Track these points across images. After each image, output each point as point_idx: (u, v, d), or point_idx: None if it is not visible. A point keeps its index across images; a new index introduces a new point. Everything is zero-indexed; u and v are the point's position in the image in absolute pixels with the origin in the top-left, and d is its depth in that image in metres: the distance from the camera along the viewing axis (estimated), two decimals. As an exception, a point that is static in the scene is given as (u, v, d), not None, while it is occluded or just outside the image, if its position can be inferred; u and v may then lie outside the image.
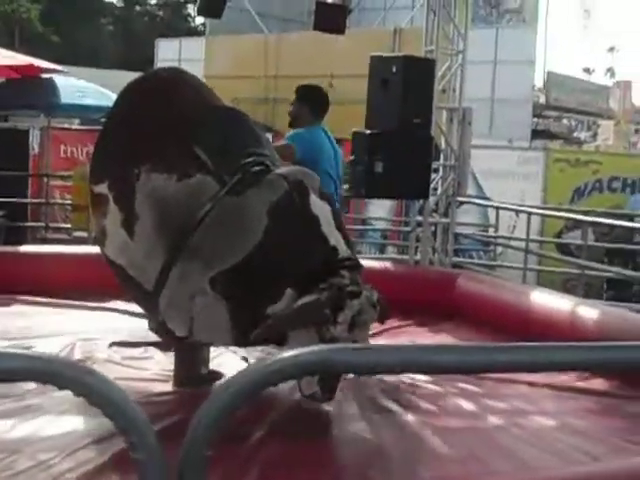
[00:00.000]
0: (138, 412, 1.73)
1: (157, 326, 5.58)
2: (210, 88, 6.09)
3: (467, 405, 5.64)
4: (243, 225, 5.03)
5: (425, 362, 1.75)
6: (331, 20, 9.85)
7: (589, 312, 7.05)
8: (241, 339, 5.03)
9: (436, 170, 10.58)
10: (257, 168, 5.26)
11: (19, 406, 4.92)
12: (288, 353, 1.80)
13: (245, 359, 6.06)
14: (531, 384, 5.97)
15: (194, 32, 42.25)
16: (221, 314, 4.96)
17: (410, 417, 5.25)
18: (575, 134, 23.06)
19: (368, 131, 9.54)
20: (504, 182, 13.19)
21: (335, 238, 4.97)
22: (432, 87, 9.74)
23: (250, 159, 5.30)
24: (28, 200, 13.56)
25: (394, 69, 9.39)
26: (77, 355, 6.24)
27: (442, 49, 10.30)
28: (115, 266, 5.60)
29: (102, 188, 5.58)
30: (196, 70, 21.90)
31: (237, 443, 4.35)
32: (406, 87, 9.33)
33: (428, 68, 9.74)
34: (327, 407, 5.16)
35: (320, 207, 5.04)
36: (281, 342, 4.76)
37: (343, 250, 4.94)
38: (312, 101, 7.30)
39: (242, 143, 5.47)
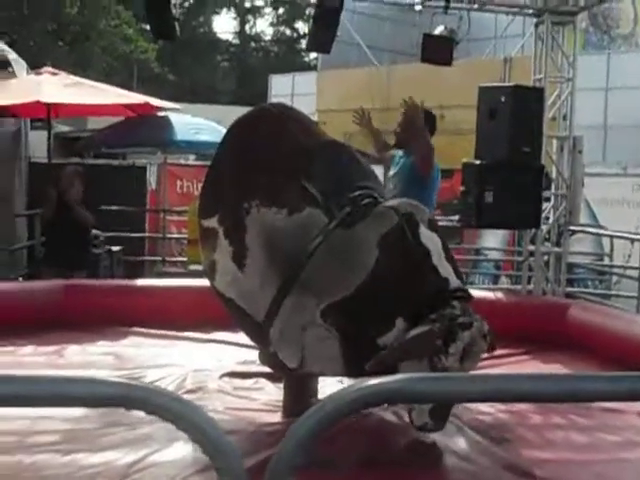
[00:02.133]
0: (224, 438, 1.80)
1: (268, 358, 5.68)
2: (316, 122, 6.23)
3: (577, 437, 5.58)
4: (354, 257, 5.10)
5: (504, 391, 1.78)
6: (438, 52, 9.89)
7: None
8: (352, 370, 5.05)
9: (548, 199, 10.50)
10: (366, 201, 5.34)
11: (129, 435, 5.06)
12: (369, 381, 1.86)
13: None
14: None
15: (307, 67, 42.79)
16: (332, 345, 5.03)
17: (516, 449, 5.22)
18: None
19: (478, 161, 9.54)
20: (619, 210, 12.96)
21: (445, 269, 4.98)
22: (542, 116, 9.70)
23: (358, 192, 5.39)
24: (146, 234, 13.90)
25: (503, 99, 9.38)
26: (189, 385, 6.39)
27: (551, 77, 10.25)
28: (225, 299, 5.74)
29: (212, 222, 5.73)
30: (309, 104, 22.30)
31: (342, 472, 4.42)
32: (515, 116, 9.31)
33: (537, 97, 9.70)
34: (434, 437, 5.19)
35: (430, 238, 5.07)
36: (393, 373, 4.78)
37: (454, 281, 4.96)
38: (430, 126, 7.19)
39: (350, 177, 5.57)
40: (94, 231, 11.66)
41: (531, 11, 10.39)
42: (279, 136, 5.79)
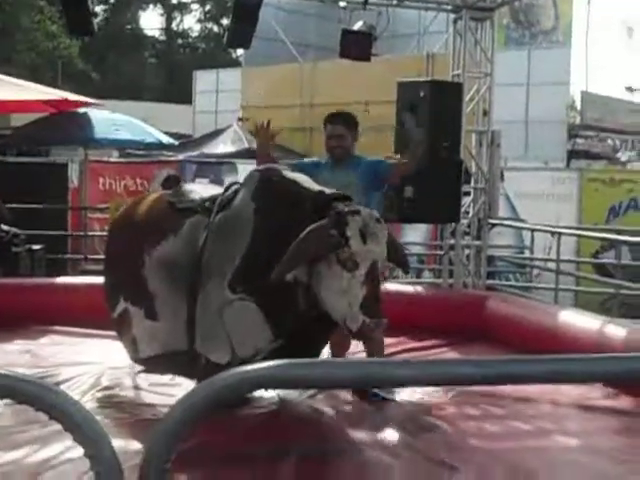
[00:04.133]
0: (95, 426, 1.80)
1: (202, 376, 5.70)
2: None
3: (490, 427, 5.66)
4: (236, 222, 5.38)
5: (372, 375, 1.80)
6: (357, 47, 9.92)
7: (617, 331, 7.01)
8: (281, 327, 5.18)
9: (467, 193, 10.60)
10: (234, 187, 5.68)
11: (43, 432, 5.00)
12: (238, 369, 1.87)
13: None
14: (554, 403, 5.97)
15: (234, 63, 42.64)
16: (253, 312, 5.17)
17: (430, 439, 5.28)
18: (619, 154, 22.89)
19: (397, 156, 9.59)
20: (539, 203, 13.13)
21: (318, 187, 5.31)
22: (460, 110, 9.78)
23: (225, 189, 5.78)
24: (68, 233, 13.74)
25: (421, 94, 9.44)
26: (105, 382, 6.35)
27: (470, 72, 10.34)
28: (154, 363, 5.94)
29: (120, 306, 6.03)
30: (233, 100, 22.26)
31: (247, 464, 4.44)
32: (434, 111, 9.37)
33: (455, 91, 9.79)
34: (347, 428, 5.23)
35: (297, 175, 5.51)
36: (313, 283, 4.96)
37: (329, 191, 5.25)
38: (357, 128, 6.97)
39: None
40: (13, 229, 11.51)
41: (449, 7, 10.47)
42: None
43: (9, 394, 1.76)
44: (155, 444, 1.81)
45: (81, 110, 12.69)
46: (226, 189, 5.67)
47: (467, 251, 10.74)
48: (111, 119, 13.11)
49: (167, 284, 5.59)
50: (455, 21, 10.47)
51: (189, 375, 5.85)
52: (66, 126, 12.64)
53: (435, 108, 9.40)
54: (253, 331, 5.21)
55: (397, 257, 5.32)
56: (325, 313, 4.98)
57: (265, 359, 5.49)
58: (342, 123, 6.53)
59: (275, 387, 1.99)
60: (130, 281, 5.89)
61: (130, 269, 5.87)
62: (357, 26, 10.07)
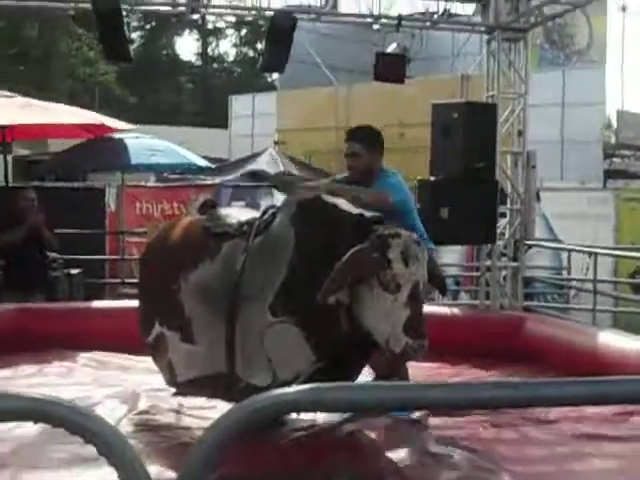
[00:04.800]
0: (130, 450, 1.81)
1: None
2: None
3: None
4: (276, 245, 5.39)
5: (408, 399, 1.81)
6: (391, 70, 9.95)
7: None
8: (322, 349, 5.19)
9: (503, 214, 10.57)
10: (271, 211, 5.68)
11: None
12: (270, 392, 1.88)
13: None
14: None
15: (270, 87, 42.87)
16: (294, 335, 5.18)
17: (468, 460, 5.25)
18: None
19: (432, 178, 9.60)
20: (576, 224, 13.06)
21: (357, 210, 5.27)
22: (495, 131, 9.78)
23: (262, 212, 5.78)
24: (106, 257, 13.84)
25: (455, 115, 9.46)
26: (141, 406, 6.37)
27: (504, 94, 10.34)
28: (192, 387, 5.94)
29: (155, 330, 6.04)
30: (269, 124, 22.36)
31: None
32: (468, 133, 9.38)
33: (490, 113, 9.79)
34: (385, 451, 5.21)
35: (334, 200, 5.44)
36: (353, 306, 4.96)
37: (369, 214, 5.22)
38: (381, 145, 6.55)
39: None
40: (52, 254, 11.61)
41: (483, 28, 10.48)
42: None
43: (44, 418, 1.78)
44: (189, 468, 1.82)
45: (117, 136, 12.79)
46: (264, 213, 5.68)
47: (504, 272, 10.70)
48: (148, 144, 13.22)
49: (204, 308, 5.59)
50: (488, 42, 10.48)
51: (227, 398, 5.86)
52: (103, 152, 12.77)
53: (469, 129, 9.41)
54: (294, 354, 5.21)
55: (436, 280, 5.31)
56: (366, 335, 4.98)
57: (306, 382, 5.56)
58: (358, 141, 6.29)
59: (307, 410, 1.99)
60: (165, 305, 5.90)
61: (165, 293, 5.88)
62: (391, 48, 10.15)
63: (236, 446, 1.90)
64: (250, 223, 5.65)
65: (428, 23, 10.36)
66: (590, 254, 11.54)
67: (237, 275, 5.43)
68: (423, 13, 10.70)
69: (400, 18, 9.85)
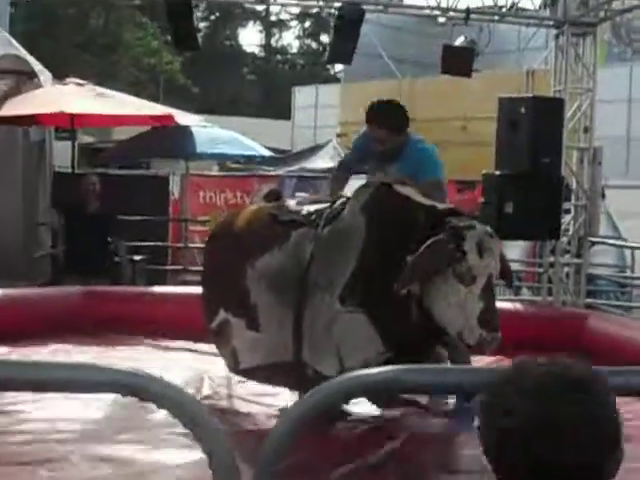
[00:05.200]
0: (212, 422, 1.85)
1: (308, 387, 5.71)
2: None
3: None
4: (346, 235, 5.41)
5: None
6: (458, 63, 9.90)
7: None
8: (391, 339, 5.22)
9: (567, 210, 10.48)
10: (341, 200, 5.72)
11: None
12: (353, 373, 1.90)
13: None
14: None
15: (333, 79, 42.87)
16: (363, 324, 5.23)
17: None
18: None
19: (497, 172, 9.55)
20: (641, 222, 12.86)
21: (429, 202, 5.28)
22: (561, 127, 9.69)
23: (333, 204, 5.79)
24: (168, 244, 13.97)
25: (523, 110, 9.39)
26: (205, 391, 6.44)
27: (571, 88, 10.24)
28: (255, 374, 6.01)
29: (220, 316, 6.11)
30: (332, 116, 22.37)
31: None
32: (535, 127, 9.30)
33: (557, 108, 9.69)
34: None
35: (406, 190, 5.42)
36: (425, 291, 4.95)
37: (441, 205, 5.27)
38: (407, 123, 6.19)
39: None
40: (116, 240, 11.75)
41: (551, 22, 10.39)
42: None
43: (135, 392, 1.82)
44: (271, 444, 1.85)
45: (183, 124, 12.86)
46: (334, 202, 5.69)
47: (566, 269, 10.60)
48: (213, 133, 13.28)
49: (271, 295, 5.64)
50: (557, 36, 10.39)
51: (292, 386, 5.90)
52: (169, 139, 12.86)
53: (536, 124, 9.33)
54: (363, 343, 5.24)
55: (503, 271, 5.29)
56: (435, 327, 4.99)
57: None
58: (383, 127, 5.91)
59: (389, 391, 2.00)
60: (231, 292, 5.95)
61: (231, 280, 5.93)
62: (458, 42, 10.06)
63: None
64: (319, 212, 5.68)
65: (496, 17, 10.29)
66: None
67: (306, 263, 5.46)
68: (491, 6, 10.59)
69: (468, 11, 9.81)
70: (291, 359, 5.54)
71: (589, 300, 11.06)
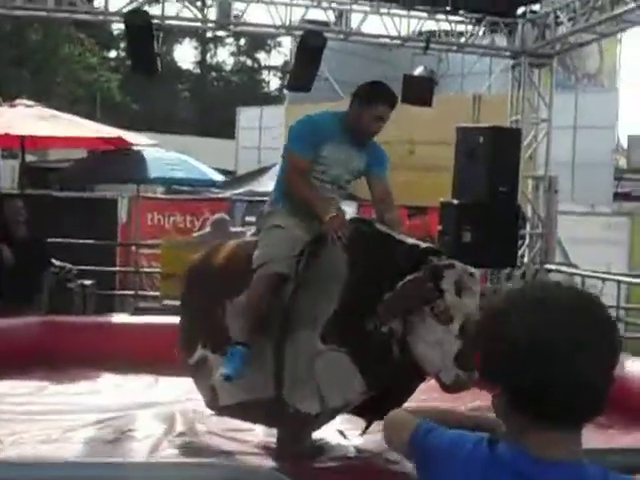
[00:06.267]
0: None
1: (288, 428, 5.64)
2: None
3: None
4: (328, 274, 5.32)
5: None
6: (418, 93, 9.97)
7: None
8: (372, 379, 5.14)
9: (521, 238, 10.58)
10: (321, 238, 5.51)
11: None
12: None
13: (341, 432, 6.12)
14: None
15: (268, 97, 42.83)
16: (344, 362, 5.14)
17: None
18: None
19: (456, 201, 9.60)
20: (588, 248, 13.05)
21: (410, 240, 5.24)
22: (518, 156, 9.82)
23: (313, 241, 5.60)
24: (117, 269, 13.78)
25: (481, 139, 9.48)
26: (179, 427, 6.33)
27: (528, 118, 10.37)
28: (234, 409, 5.85)
29: (198, 353, 6.00)
30: (276, 137, 22.28)
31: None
32: (493, 157, 9.41)
33: (514, 138, 9.83)
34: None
35: (386, 228, 5.37)
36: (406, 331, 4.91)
37: (422, 245, 5.20)
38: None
39: None
40: (67, 265, 11.52)
41: (508, 53, 10.50)
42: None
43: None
44: None
45: (134, 148, 12.70)
46: (314, 239, 5.59)
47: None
48: (164, 158, 13.10)
49: (252, 332, 5.55)
50: (513, 67, 10.51)
51: (271, 424, 5.83)
52: (120, 163, 12.68)
53: (494, 154, 9.44)
54: (345, 382, 5.18)
55: None
56: (416, 366, 4.96)
57: (354, 411, 5.54)
58: (392, 107, 5.54)
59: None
60: (210, 328, 5.86)
61: (210, 316, 5.84)
62: (418, 71, 10.11)
63: None
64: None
65: (454, 47, 10.37)
66: (604, 280, 11.55)
67: (287, 300, 5.40)
68: (447, 33, 10.64)
69: (428, 41, 9.87)
70: (271, 396, 5.47)
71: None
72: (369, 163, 5.70)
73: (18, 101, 12.22)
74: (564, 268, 12.01)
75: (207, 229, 11.56)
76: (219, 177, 13.49)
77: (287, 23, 9.84)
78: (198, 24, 10.02)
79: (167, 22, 9.95)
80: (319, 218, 5.35)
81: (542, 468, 1.71)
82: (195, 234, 12.74)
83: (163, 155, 12.99)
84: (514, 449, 1.75)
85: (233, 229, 11.29)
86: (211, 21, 9.67)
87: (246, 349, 5.38)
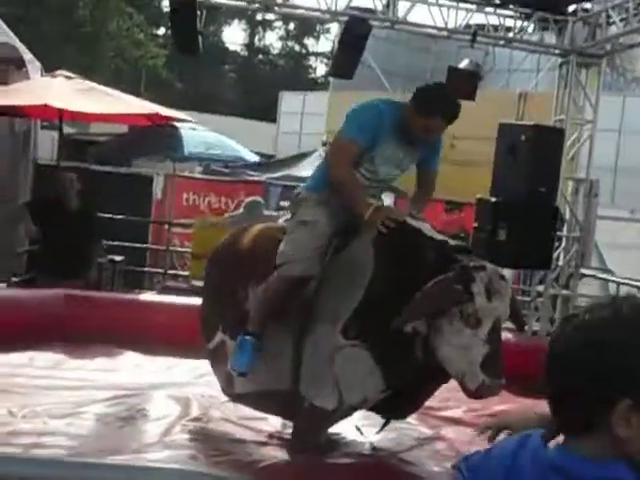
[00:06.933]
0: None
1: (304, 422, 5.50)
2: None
3: None
4: (353, 267, 5.16)
5: None
6: (463, 86, 9.75)
7: None
8: (392, 377, 5.01)
9: (559, 240, 10.39)
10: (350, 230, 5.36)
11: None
12: None
13: (358, 429, 6.00)
14: None
15: (314, 83, 42.74)
16: (365, 359, 5.00)
17: None
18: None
19: (493, 199, 9.42)
20: (627, 254, 12.82)
21: (440, 236, 5.07)
22: (560, 157, 9.62)
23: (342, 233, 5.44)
24: (149, 246, 13.72)
25: (523, 137, 9.28)
26: (193, 412, 6.23)
27: (572, 119, 10.16)
28: (249, 397, 5.72)
29: (217, 337, 5.85)
30: (318, 124, 22.16)
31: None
32: (534, 156, 9.21)
33: (557, 138, 9.61)
34: None
35: (417, 223, 5.16)
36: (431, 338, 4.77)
37: (452, 242, 5.05)
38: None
39: None
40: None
41: (557, 51, 10.28)
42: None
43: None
44: None
45: (175, 126, 12.57)
46: (344, 231, 5.44)
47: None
48: (202, 135, 12.95)
49: (272, 322, 5.41)
50: (561, 65, 10.29)
51: (286, 416, 5.72)
52: (157, 139, 12.57)
53: (536, 153, 9.23)
54: (364, 379, 5.04)
55: (514, 315, 5.10)
56: (439, 367, 4.81)
57: (372, 408, 5.41)
58: (451, 121, 5.22)
59: None
60: (231, 314, 5.72)
61: (232, 301, 5.70)
62: (463, 64, 9.91)
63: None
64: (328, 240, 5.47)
65: (502, 41, 10.17)
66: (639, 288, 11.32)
67: (311, 292, 5.26)
68: (496, 27, 10.42)
69: (475, 34, 9.67)
70: (287, 389, 5.34)
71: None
72: (423, 157, 5.54)
73: (59, 72, 12.10)
74: (600, 274, 11.81)
75: (240, 210, 11.47)
76: (255, 158, 13.29)
77: (333, 8, 9.67)
78: (243, 3, 9.81)
79: (212, 0, 9.80)
80: (355, 210, 5.20)
81: None
82: (227, 215, 12.65)
83: (201, 133, 12.85)
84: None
85: (267, 212, 11.18)
86: (257, 1, 9.50)
87: (256, 340, 5.24)
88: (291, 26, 49.70)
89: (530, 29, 10.57)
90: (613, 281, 12.01)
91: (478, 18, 10.35)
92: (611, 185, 16.46)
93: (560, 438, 1.81)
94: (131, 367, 7.63)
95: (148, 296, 10.10)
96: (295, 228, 5.42)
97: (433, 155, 5.62)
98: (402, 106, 5.29)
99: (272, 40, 53.52)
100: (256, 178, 15.18)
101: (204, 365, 6.39)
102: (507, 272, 13.33)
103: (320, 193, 5.42)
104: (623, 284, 11.53)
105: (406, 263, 4.99)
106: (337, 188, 5.28)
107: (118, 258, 11.66)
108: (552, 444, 1.81)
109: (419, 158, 5.55)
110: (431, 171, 5.67)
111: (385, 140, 5.24)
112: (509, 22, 10.25)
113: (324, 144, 20.22)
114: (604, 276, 12.05)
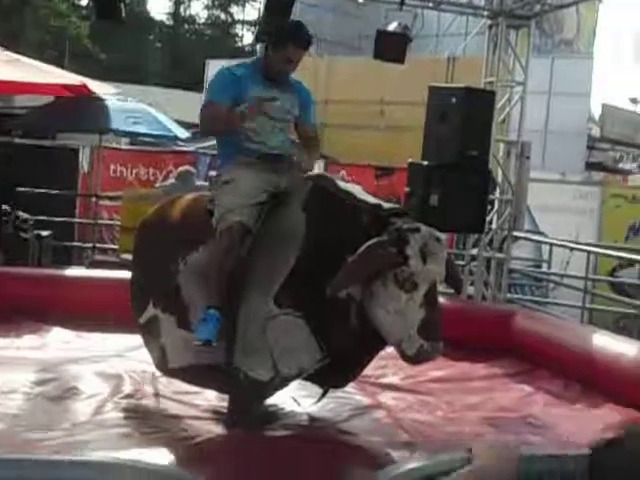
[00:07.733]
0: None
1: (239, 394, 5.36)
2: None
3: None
4: (284, 234, 5.05)
5: None
6: (391, 49, 9.64)
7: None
8: (328, 347, 4.91)
9: (491, 203, 10.34)
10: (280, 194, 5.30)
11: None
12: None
13: (295, 400, 5.89)
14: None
15: (241, 52, 42.23)
16: (299, 327, 4.90)
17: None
18: (620, 165, 22.61)
19: (425, 162, 9.32)
20: (558, 217, 12.85)
21: (373, 199, 4.98)
22: (491, 120, 9.54)
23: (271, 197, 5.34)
24: (76, 220, 13.43)
25: (453, 100, 9.18)
26: (126, 389, 6.07)
27: (502, 81, 10.09)
28: (184, 372, 5.56)
29: (148, 312, 5.66)
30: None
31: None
32: (465, 119, 9.11)
33: (488, 100, 9.52)
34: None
35: (348, 186, 5.13)
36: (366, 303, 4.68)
37: (386, 204, 4.94)
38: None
39: None
40: (23, 214, 11.20)
41: (486, 13, 10.19)
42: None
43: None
44: None
45: (97, 96, 12.20)
46: (272, 195, 5.29)
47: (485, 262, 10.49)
48: (129, 109, 12.55)
49: (201, 292, 5.24)
50: (490, 27, 10.21)
51: (221, 389, 5.58)
52: (82, 112, 12.17)
53: (466, 116, 9.14)
54: (299, 348, 4.92)
55: (452, 278, 5.01)
56: (376, 334, 4.70)
57: (309, 378, 5.29)
58: (306, 49, 5.40)
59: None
60: (161, 287, 5.54)
61: (162, 274, 5.52)
62: (392, 27, 9.77)
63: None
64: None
65: (431, 4, 10.05)
66: (572, 249, 11.39)
67: (241, 261, 5.10)
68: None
69: (403, -4, 9.54)
70: (222, 361, 5.19)
71: (507, 295, 10.98)
72: (297, 106, 5.50)
73: (-21, 43, 11.74)
74: (533, 236, 11.83)
75: (172, 180, 11.24)
76: (183, 133, 13.00)
77: (258, -28, 9.48)
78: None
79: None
80: (234, 124, 5.19)
81: None
82: (158, 185, 12.42)
83: (125, 105, 12.49)
84: None
85: (198, 182, 10.96)
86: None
87: (219, 312, 5.05)
88: (216, -6, 49.08)
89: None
90: (546, 242, 12.05)
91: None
92: (541, 148, 16.48)
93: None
94: (60, 344, 7.44)
95: (75, 271, 9.84)
96: (220, 190, 5.30)
97: (305, 109, 5.57)
98: (257, 57, 5.77)
99: (198, 9, 52.89)
100: (184, 148, 14.93)
101: (136, 340, 6.22)
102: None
103: (228, 167, 5.39)
104: (555, 245, 11.58)
105: (338, 227, 4.88)
106: (211, 129, 5.56)
107: (45, 233, 11.38)
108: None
109: (297, 105, 5.49)
110: (307, 124, 5.60)
111: (249, 85, 5.29)
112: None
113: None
114: (537, 238, 12.08)
